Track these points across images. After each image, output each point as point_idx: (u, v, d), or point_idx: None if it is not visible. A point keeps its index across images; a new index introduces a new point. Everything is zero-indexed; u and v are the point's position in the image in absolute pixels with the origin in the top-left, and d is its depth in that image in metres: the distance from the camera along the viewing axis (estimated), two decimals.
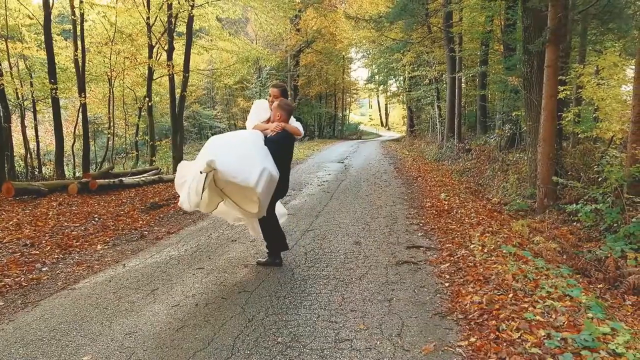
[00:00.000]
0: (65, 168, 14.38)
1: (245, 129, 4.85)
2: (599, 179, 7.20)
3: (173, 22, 14.45)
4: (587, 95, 8.66)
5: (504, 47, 14.93)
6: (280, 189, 4.49)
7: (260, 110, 4.73)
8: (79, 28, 13.23)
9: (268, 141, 4.43)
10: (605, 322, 3.28)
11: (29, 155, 14.96)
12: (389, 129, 54.52)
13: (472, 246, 5.26)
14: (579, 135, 9.40)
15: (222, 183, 4.17)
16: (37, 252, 5.58)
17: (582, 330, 3.04)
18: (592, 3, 7.92)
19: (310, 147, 23.99)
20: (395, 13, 14.32)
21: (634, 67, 7.14)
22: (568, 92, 8.53)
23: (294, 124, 4.66)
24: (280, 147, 4.44)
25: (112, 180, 10.38)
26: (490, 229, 6.22)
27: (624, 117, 8.50)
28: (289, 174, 4.70)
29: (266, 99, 4.89)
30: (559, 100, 8.05)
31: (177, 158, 14.52)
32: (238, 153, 4.13)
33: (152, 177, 11.83)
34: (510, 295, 3.72)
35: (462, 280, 4.22)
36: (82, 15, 13.07)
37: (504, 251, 4.98)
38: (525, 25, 9.07)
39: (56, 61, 13.09)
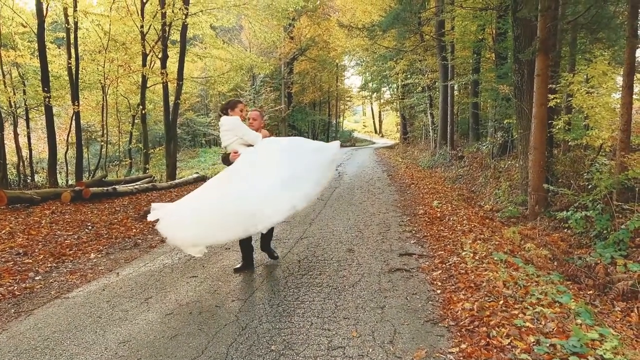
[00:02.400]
0: (58, 176, 14.33)
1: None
2: (589, 186, 7.30)
3: (167, 30, 14.52)
4: (577, 103, 8.79)
5: (496, 55, 15.11)
6: None
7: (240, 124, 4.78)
8: (72, 36, 13.26)
9: None
10: (593, 328, 3.33)
11: (21, 164, 14.90)
12: (382, 136, 54.74)
13: (463, 253, 5.31)
14: (570, 143, 9.52)
15: None
16: (30, 260, 5.57)
17: (570, 336, 3.09)
18: (581, 13, 8.06)
19: None
20: (388, 22, 14.42)
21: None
22: (558, 100, 8.65)
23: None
24: None
25: (105, 188, 10.36)
26: (482, 236, 6.28)
27: (613, 124, 8.62)
28: None
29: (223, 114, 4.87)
30: (550, 109, 8.16)
31: (171, 165, 14.53)
32: None
33: (146, 185, 11.82)
34: (501, 302, 3.77)
35: (453, 287, 4.26)
36: (76, 23, 13.11)
37: (495, 258, 5.04)
38: (516, 35, 9.19)
39: (49, 69, 13.09)
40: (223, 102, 4.90)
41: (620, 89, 7.12)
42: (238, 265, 4.97)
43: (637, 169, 6.27)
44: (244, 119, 4.80)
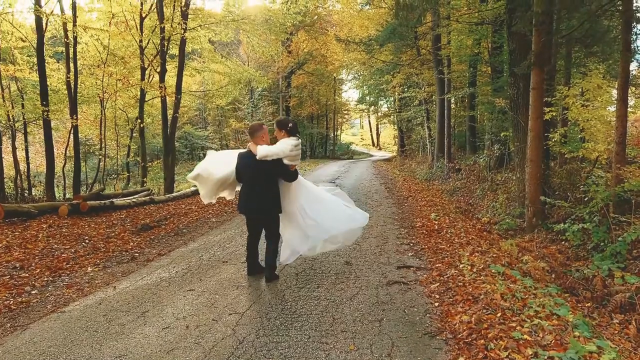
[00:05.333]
0: (56, 190, 14.32)
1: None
2: (586, 199, 7.32)
3: (165, 44, 14.63)
4: (572, 116, 8.84)
5: (492, 69, 15.23)
6: (251, 204, 4.92)
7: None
8: (71, 50, 13.33)
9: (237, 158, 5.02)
10: (591, 341, 3.33)
11: (19, 177, 14.88)
12: (380, 148, 54.92)
13: (461, 266, 5.31)
14: (566, 156, 9.56)
15: None
16: (27, 274, 5.54)
17: (568, 349, 3.09)
18: (575, 28, 8.16)
19: (301, 167, 24.07)
20: (385, 36, 14.58)
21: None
22: (554, 114, 8.69)
23: (278, 143, 4.90)
24: (242, 164, 4.91)
25: (103, 201, 10.34)
26: (480, 248, 6.29)
27: (609, 137, 8.67)
28: (256, 189, 4.85)
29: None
30: (546, 121, 8.21)
31: (169, 179, 14.53)
32: None
33: (144, 199, 11.79)
34: (499, 315, 3.77)
35: (451, 299, 4.26)
36: (75, 38, 13.19)
37: (493, 271, 5.04)
38: (511, 49, 9.30)
39: (48, 83, 13.15)
40: (292, 124, 5.00)
41: (615, 102, 7.17)
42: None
43: (633, 182, 6.30)
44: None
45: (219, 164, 5.12)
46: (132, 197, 12.13)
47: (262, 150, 4.70)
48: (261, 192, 4.80)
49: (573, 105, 8.61)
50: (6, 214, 8.45)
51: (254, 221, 5.05)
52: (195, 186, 6.13)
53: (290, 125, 4.93)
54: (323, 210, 5.00)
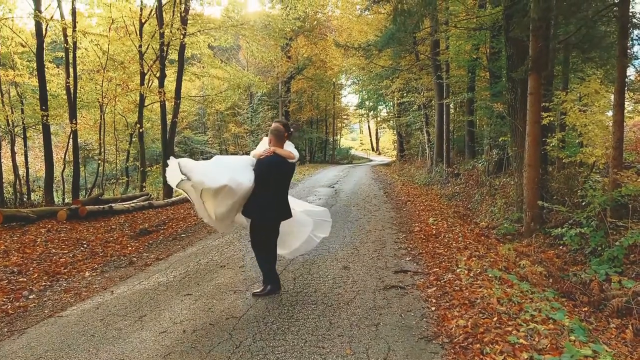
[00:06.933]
0: (55, 194, 14.34)
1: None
2: (583, 203, 7.33)
3: (165, 50, 14.68)
4: (570, 121, 8.88)
5: (490, 74, 15.26)
6: (272, 211, 4.50)
7: (265, 144, 4.70)
8: (71, 56, 13.38)
9: (258, 163, 4.46)
10: (587, 345, 3.34)
11: (18, 182, 14.90)
12: (379, 153, 54.95)
13: (458, 270, 5.32)
14: (564, 160, 9.58)
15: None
16: (25, 279, 5.55)
17: (563, 353, 3.09)
18: (572, 33, 8.21)
19: (301, 172, 24.07)
20: (384, 41, 14.62)
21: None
22: (552, 119, 8.73)
23: (289, 147, 4.64)
24: (270, 169, 4.40)
25: (101, 206, 10.35)
26: (477, 253, 6.29)
27: (606, 142, 8.70)
28: (285, 197, 4.65)
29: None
30: (544, 126, 8.24)
31: (168, 183, 14.54)
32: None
33: (142, 203, 11.80)
34: (495, 319, 3.78)
35: (448, 304, 4.27)
36: (74, 43, 13.25)
37: (490, 275, 5.05)
38: (509, 54, 9.33)
39: (48, 88, 13.19)
40: (293, 128, 4.88)
41: (613, 107, 7.21)
42: (257, 290, 4.69)
43: (630, 186, 6.31)
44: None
45: (239, 170, 4.40)
46: (130, 201, 12.14)
47: (295, 152, 4.53)
48: (286, 195, 4.67)
49: (571, 110, 8.65)
50: (5, 219, 8.46)
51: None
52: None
53: (292, 129, 4.83)
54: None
